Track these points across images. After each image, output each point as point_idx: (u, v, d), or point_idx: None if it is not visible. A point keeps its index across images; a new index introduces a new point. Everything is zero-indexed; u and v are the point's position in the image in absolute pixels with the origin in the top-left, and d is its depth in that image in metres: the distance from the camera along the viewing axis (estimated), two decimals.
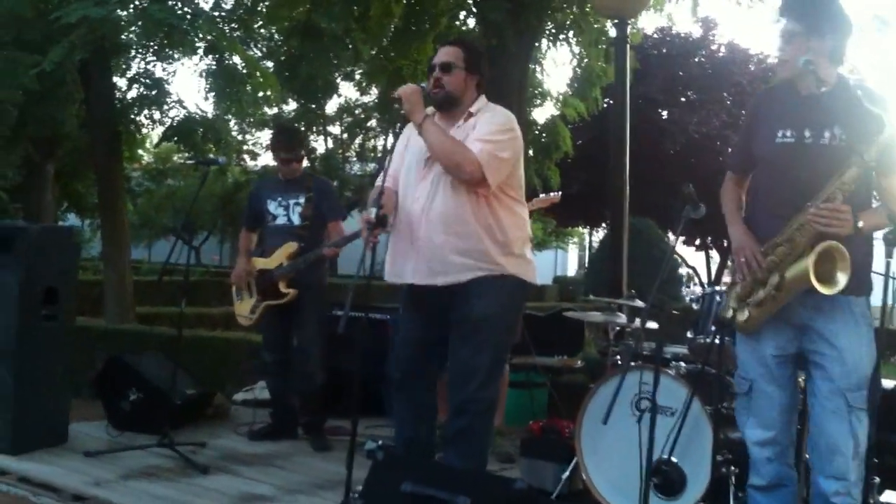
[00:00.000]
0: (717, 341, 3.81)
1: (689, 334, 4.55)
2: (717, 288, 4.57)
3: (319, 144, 28.56)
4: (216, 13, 10.02)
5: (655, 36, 22.25)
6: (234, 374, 7.25)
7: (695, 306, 4.65)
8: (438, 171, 3.93)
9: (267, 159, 29.54)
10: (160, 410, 5.39)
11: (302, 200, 5.72)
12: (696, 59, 22.84)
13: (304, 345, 5.68)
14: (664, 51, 22.11)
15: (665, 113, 21.77)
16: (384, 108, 16.13)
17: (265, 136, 28.51)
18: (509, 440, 5.71)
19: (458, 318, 3.96)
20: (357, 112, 27.55)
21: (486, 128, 3.92)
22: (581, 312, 5.64)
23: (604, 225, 27.31)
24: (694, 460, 4.13)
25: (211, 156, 6.20)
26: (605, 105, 11.67)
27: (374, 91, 22.42)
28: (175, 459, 5.03)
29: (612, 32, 9.02)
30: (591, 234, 32.01)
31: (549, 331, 6.67)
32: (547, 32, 8.71)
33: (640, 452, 3.46)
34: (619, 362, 5.15)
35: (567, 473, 4.66)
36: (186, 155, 11.01)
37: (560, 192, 5.57)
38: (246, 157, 29.65)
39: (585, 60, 10.08)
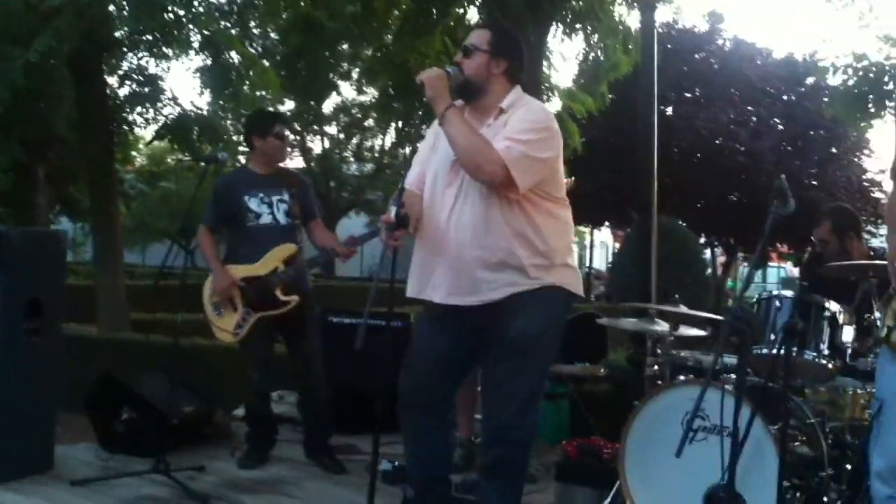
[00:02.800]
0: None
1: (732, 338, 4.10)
2: (776, 292, 4.10)
3: (316, 144, 28.17)
4: (213, 6, 9.69)
5: (660, 31, 21.81)
6: (235, 386, 6.79)
7: None
8: (465, 176, 3.47)
9: None
10: (155, 431, 4.93)
11: (286, 197, 5.13)
12: (703, 55, 22.42)
13: (308, 357, 5.20)
14: (669, 46, 21.68)
15: (670, 109, 21.35)
16: (383, 107, 15.75)
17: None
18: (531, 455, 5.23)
19: (493, 337, 3.50)
20: (354, 111, 27.13)
21: (518, 125, 3.44)
22: (614, 319, 5.15)
23: (607, 224, 26.96)
24: (756, 487, 3.67)
25: (220, 154, 5.56)
26: (610, 100, 11.33)
27: (371, 90, 22.18)
28: (172, 488, 4.56)
29: (630, 21, 8.72)
30: (591, 234, 31.59)
31: (568, 336, 6.24)
32: (564, 22, 8.27)
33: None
34: (655, 373, 4.74)
35: (609, 501, 4.20)
36: (181, 155, 10.59)
37: (574, 178, 4.83)
38: (241, 158, 29.17)
39: (598, 53, 9.67)
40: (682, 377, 4.04)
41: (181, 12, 7.57)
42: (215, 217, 5.28)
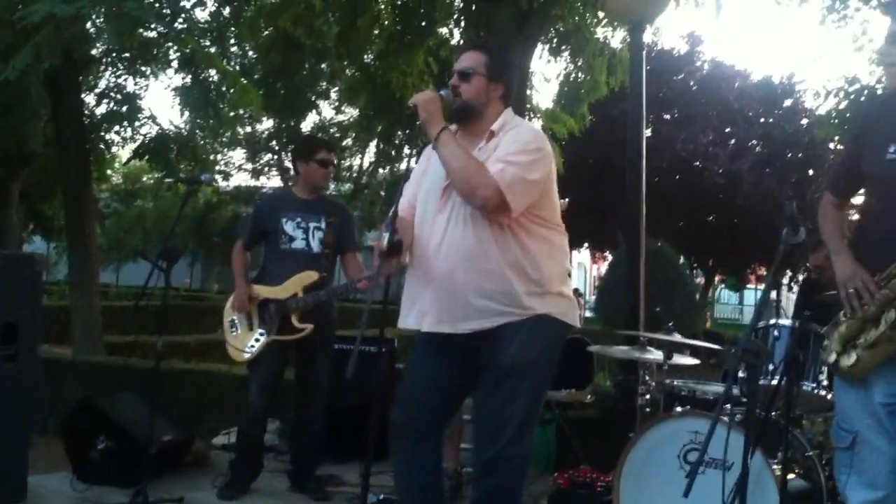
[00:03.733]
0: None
1: (741, 374, 4.01)
2: (775, 321, 4.02)
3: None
4: (194, 24, 9.56)
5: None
6: (216, 411, 6.63)
7: None
8: (457, 199, 3.36)
9: (239, 179, 28.96)
10: (133, 461, 4.76)
11: (323, 225, 5.05)
12: (681, 76, 22.49)
13: (314, 387, 5.09)
14: (648, 67, 21.77)
15: (649, 131, 21.40)
16: (364, 127, 15.65)
17: (238, 155, 27.97)
18: None
19: (486, 364, 3.39)
20: (332, 131, 26.97)
21: (510, 146, 3.33)
22: (604, 347, 5.04)
23: (587, 245, 26.92)
24: None
25: (203, 175, 5.41)
26: (590, 121, 11.30)
27: (350, 110, 22.06)
28: None
29: (614, 42, 8.68)
30: (570, 255, 31.50)
31: None
32: (549, 42, 8.20)
33: None
34: (647, 402, 4.65)
35: None
36: (158, 174, 10.43)
37: (567, 200, 4.72)
38: (218, 177, 28.96)
39: (580, 74, 9.62)
40: (678, 408, 3.95)
41: (162, 29, 7.41)
42: (250, 234, 5.27)
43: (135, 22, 6.98)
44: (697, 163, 21.43)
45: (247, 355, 5.02)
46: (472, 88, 3.44)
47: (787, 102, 22.99)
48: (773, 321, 4.04)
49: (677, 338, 4.44)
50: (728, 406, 4.11)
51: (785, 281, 25.18)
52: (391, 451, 3.61)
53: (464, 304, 3.32)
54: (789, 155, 22.41)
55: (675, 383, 4.60)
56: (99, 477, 4.96)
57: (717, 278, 27.04)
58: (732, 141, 22.23)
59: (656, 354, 4.51)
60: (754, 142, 22.52)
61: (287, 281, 4.97)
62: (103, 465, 5.01)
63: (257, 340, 4.99)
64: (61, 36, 6.74)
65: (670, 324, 4.63)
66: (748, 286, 27.84)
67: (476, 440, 3.50)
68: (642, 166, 6.12)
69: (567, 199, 4.23)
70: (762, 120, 22.92)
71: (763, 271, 24.96)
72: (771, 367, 3.83)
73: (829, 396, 3.91)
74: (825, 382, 3.92)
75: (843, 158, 3.26)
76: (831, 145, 22.30)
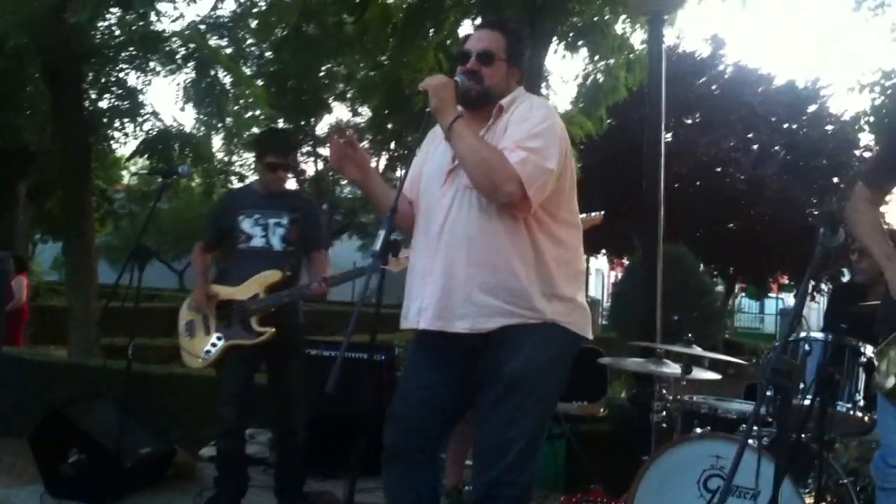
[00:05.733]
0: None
1: (768, 392, 3.61)
2: (806, 334, 3.61)
3: (309, 166, 27.76)
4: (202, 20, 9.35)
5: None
6: (204, 421, 6.27)
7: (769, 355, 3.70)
8: (461, 183, 2.99)
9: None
10: (107, 475, 4.42)
11: (285, 221, 4.68)
12: (704, 80, 22.03)
13: (289, 397, 4.70)
14: (670, 70, 21.40)
15: (670, 135, 20.97)
16: (377, 127, 15.38)
17: (252, 157, 27.73)
18: None
19: (487, 374, 3.01)
20: (349, 133, 26.71)
21: (524, 128, 2.95)
22: (617, 359, 4.64)
23: (604, 251, 26.48)
24: None
25: (181, 167, 5.06)
26: (609, 124, 11.00)
27: (366, 112, 21.80)
28: None
29: (634, 39, 8.36)
30: (588, 262, 31.13)
31: None
32: (565, 37, 7.85)
33: None
34: (663, 419, 4.26)
35: None
36: (142, 170, 10.15)
37: (603, 213, 4.35)
38: (234, 178, 28.73)
39: (599, 74, 9.27)
40: (698, 429, 3.56)
41: (171, 27, 7.15)
42: (211, 234, 4.92)
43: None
44: (719, 168, 20.95)
45: (201, 361, 4.64)
46: (496, 75, 3.08)
47: (812, 108, 22.47)
48: (803, 334, 3.63)
49: (697, 350, 4.05)
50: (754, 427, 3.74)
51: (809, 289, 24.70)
52: (383, 474, 3.24)
53: (464, 299, 2.95)
54: (813, 162, 21.88)
55: (694, 399, 4.20)
56: (71, 491, 4.67)
57: (737, 287, 26.52)
58: (755, 146, 21.74)
59: (673, 368, 4.12)
60: (777, 148, 22.02)
61: (247, 281, 4.60)
62: (75, 479, 4.70)
63: (214, 345, 4.61)
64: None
65: (689, 335, 4.23)
66: (769, 295, 27.35)
67: (476, 460, 3.13)
68: (660, 164, 5.78)
69: (602, 213, 3.88)
70: (786, 126, 22.42)
71: (785, 280, 24.46)
72: (802, 385, 3.42)
73: (867, 418, 3.52)
74: (861, 403, 3.53)
75: (884, 150, 2.85)
76: (857, 152, 21.87)
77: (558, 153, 2.95)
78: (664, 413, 4.28)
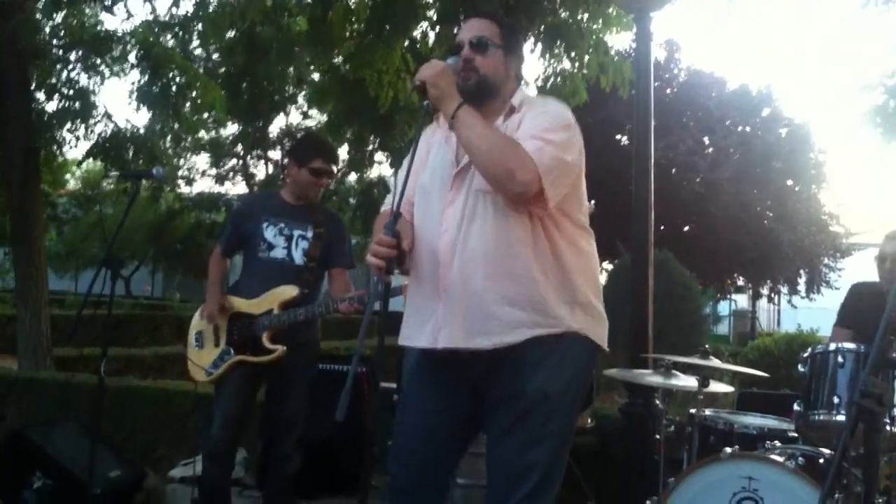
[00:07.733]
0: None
1: (796, 406, 3.38)
2: (837, 345, 3.39)
3: (260, 170, 27.33)
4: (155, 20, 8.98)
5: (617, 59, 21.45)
6: (174, 437, 5.93)
7: (801, 367, 3.47)
8: (475, 186, 2.72)
9: (203, 185, 28.18)
10: (74, 502, 4.07)
11: (310, 234, 4.38)
12: (658, 83, 22.04)
13: (289, 419, 4.38)
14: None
15: (625, 138, 20.90)
16: (334, 131, 15.03)
17: (201, 161, 27.24)
18: None
19: (504, 395, 2.73)
20: (299, 136, 26.31)
21: (541, 120, 2.70)
22: (622, 370, 4.37)
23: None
24: None
25: (155, 169, 4.71)
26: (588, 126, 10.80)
27: (317, 115, 21.40)
28: None
29: (610, 40, 8.16)
30: None
31: None
32: (542, 37, 7.61)
33: None
34: (672, 435, 4.03)
35: None
36: (114, 172, 9.63)
37: (593, 202, 4.05)
38: (181, 182, 28.13)
39: (558, 79, 8.99)
40: (727, 449, 3.31)
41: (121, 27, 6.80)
42: (228, 239, 4.62)
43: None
44: (674, 170, 20.95)
45: (205, 374, 4.34)
46: (491, 62, 2.82)
47: (766, 112, 22.61)
48: (832, 346, 3.40)
49: (715, 362, 3.81)
50: (776, 443, 3.51)
51: (764, 291, 24.80)
52: None
53: (484, 314, 2.68)
54: (768, 164, 21.98)
55: (707, 413, 3.97)
56: None
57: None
58: (710, 149, 21.79)
59: (687, 381, 3.87)
60: (732, 150, 22.10)
61: (263, 295, 4.30)
62: None
63: (222, 359, 4.31)
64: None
65: (706, 346, 3.99)
66: (727, 297, 27.44)
67: (490, 488, 2.84)
68: (650, 166, 5.58)
69: (593, 202, 3.62)
70: (740, 129, 22.52)
71: (741, 282, 24.56)
72: (836, 399, 3.20)
73: None
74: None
75: None
76: (811, 155, 22.03)
77: (578, 150, 2.73)
78: (672, 428, 4.05)
